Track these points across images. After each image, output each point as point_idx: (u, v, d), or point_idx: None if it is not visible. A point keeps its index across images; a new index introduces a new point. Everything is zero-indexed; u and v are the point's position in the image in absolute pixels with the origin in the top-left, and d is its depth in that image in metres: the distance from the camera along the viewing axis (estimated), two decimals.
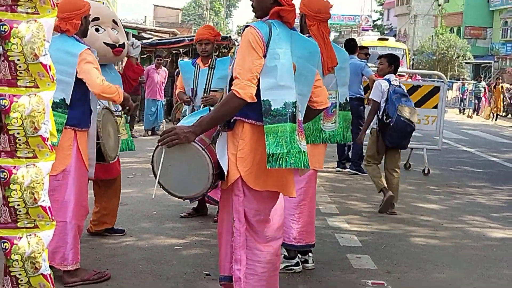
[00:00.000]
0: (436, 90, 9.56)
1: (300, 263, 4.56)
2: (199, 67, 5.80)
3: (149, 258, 4.70)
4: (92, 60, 4.00)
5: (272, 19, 3.12)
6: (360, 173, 9.13)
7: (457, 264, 4.96)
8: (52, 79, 1.73)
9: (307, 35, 4.31)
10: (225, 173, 3.09)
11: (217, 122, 3.08)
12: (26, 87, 1.73)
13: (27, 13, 1.68)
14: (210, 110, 3.41)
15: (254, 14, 3.26)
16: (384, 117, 6.60)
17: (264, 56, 3.03)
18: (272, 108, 3.03)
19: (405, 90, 6.95)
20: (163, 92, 13.84)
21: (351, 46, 8.96)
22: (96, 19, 4.62)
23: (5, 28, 1.69)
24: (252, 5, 3.21)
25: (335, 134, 4.53)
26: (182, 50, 15.98)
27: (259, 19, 3.18)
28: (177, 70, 15.15)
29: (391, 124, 6.49)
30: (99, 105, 4.47)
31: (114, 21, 4.85)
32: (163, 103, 14.13)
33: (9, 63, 1.71)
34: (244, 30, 3.10)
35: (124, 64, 5.27)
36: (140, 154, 5.12)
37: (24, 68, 1.72)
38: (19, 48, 1.70)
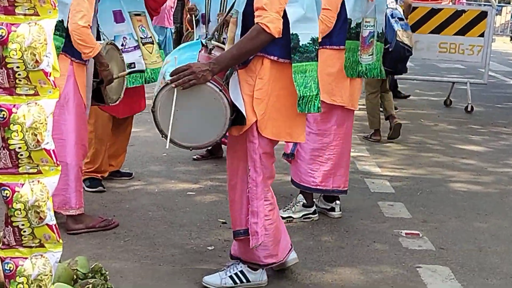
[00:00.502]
0: (483, 15, 9.38)
1: (317, 211, 4.62)
2: None
3: (160, 204, 4.79)
4: None
5: None
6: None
7: (501, 212, 5.00)
8: (53, 6, 1.72)
9: None
10: (244, 116, 3.07)
11: (240, 59, 3.05)
12: (25, 14, 1.72)
13: None
14: (202, 43, 3.34)
15: None
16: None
17: None
18: (300, 44, 3.05)
19: (402, 14, 7.31)
20: (172, 18, 13.69)
21: None
22: None
23: None
24: None
25: (372, 68, 4.51)
26: None
27: None
28: None
29: (390, 50, 6.68)
30: (104, 39, 4.44)
31: None
32: (172, 31, 14.01)
33: None
34: None
35: None
36: (148, 89, 5.11)
37: None
38: None
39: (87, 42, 3.89)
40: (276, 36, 2.95)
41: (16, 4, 1.61)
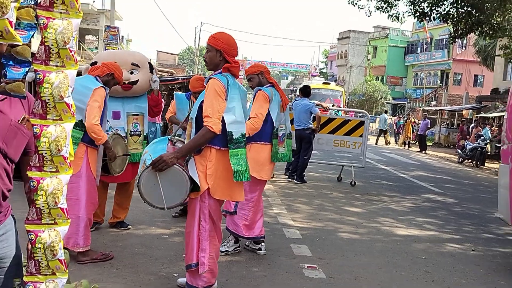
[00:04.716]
0: (361, 123, 9.72)
1: (240, 246, 4.65)
2: (193, 102, 5.59)
3: (143, 243, 4.70)
4: (99, 99, 3.97)
5: (225, 72, 3.21)
6: (303, 183, 9.26)
7: (371, 253, 5.06)
8: (73, 114, 1.78)
9: (268, 85, 4.47)
10: (199, 186, 3.13)
11: (195, 149, 3.13)
12: (53, 119, 1.77)
13: (56, 66, 1.74)
14: (169, 139, 3.40)
15: (206, 67, 3.32)
16: None
17: (225, 100, 3.13)
18: (234, 138, 3.15)
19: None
20: (160, 116, 13.81)
21: (307, 91, 9.16)
22: None
23: (39, 76, 1.75)
24: (205, 61, 3.27)
25: (285, 155, 4.69)
26: (177, 86, 15.96)
27: (213, 72, 3.25)
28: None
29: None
30: (112, 131, 4.45)
31: (133, 64, 4.82)
32: (160, 125, 14.09)
33: (41, 102, 1.75)
34: (209, 80, 3.17)
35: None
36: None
37: (52, 105, 1.76)
38: (49, 91, 1.74)
39: (97, 135, 3.92)
40: (217, 134, 3.07)
41: (47, 112, 1.65)
